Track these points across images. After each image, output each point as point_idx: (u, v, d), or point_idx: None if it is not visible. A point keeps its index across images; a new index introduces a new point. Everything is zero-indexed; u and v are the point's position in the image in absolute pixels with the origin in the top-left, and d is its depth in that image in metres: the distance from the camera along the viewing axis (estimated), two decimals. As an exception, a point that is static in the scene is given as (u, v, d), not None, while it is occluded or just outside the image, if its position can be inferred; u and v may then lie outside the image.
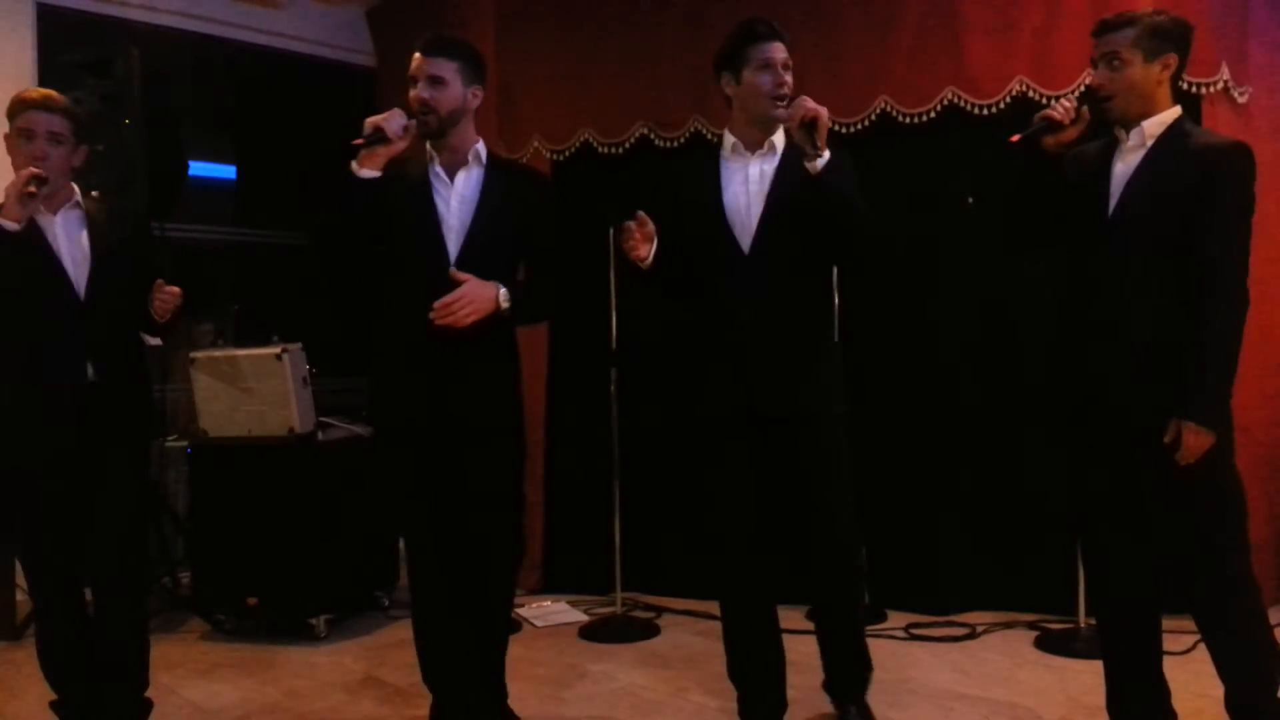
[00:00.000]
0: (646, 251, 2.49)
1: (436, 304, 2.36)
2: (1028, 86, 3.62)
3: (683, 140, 4.09)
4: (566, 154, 4.27)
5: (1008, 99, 3.65)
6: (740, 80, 2.52)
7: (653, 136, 4.13)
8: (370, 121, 2.37)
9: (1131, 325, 2.24)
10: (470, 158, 2.56)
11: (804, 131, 2.37)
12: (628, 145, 4.17)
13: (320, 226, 2.47)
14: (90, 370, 2.58)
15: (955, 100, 3.72)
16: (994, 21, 3.67)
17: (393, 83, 4.82)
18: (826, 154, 2.38)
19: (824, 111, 2.37)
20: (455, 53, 2.51)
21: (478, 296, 2.40)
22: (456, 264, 2.47)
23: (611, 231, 3.79)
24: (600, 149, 4.22)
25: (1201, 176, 2.19)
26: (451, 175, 2.54)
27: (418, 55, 2.49)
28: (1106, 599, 2.41)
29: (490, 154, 2.62)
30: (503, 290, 2.45)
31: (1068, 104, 2.30)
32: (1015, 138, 2.31)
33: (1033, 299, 3.70)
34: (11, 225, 2.40)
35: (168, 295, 2.58)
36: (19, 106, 2.57)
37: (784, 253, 2.50)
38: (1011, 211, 2.50)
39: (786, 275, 2.52)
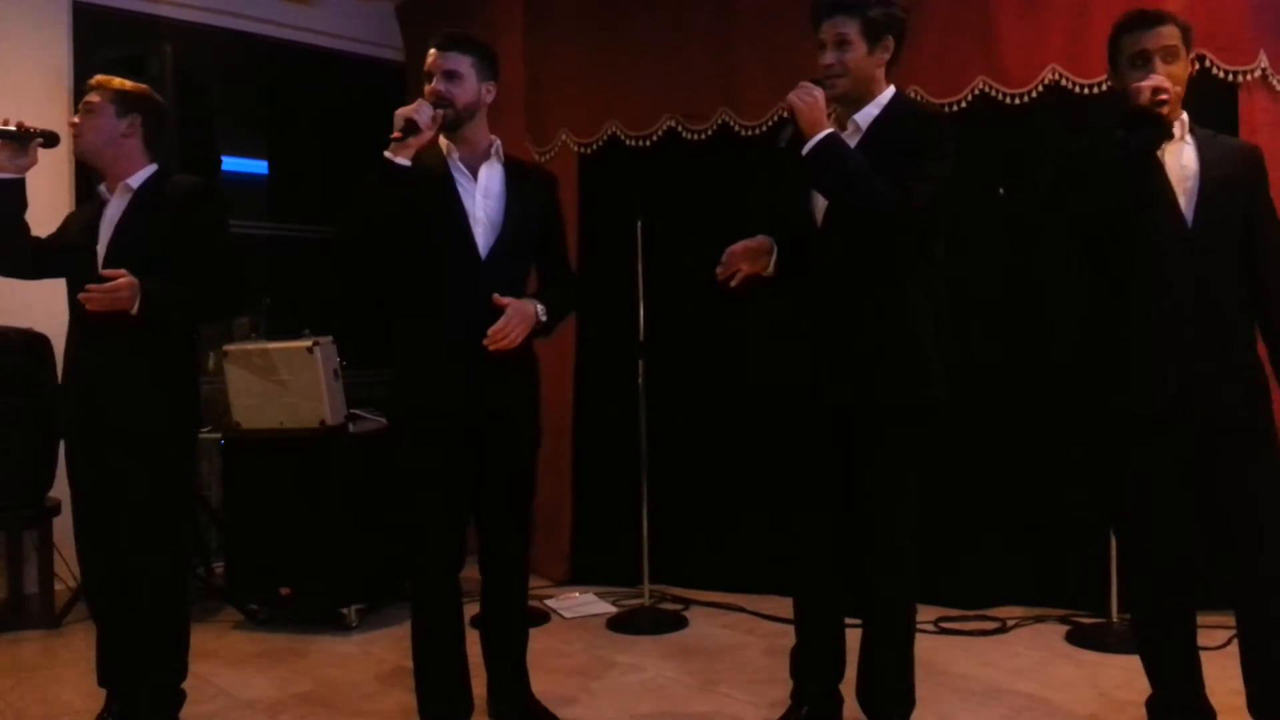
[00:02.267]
0: (765, 263, 2.48)
1: (490, 331, 2.39)
2: (1060, 75, 3.58)
3: (710, 133, 4.08)
4: (594, 147, 4.28)
5: (1039, 88, 3.61)
6: None
7: (680, 129, 4.13)
8: (401, 113, 2.38)
9: (1220, 318, 2.24)
10: (491, 153, 2.57)
11: (790, 121, 2.34)
12: (655, 138, 4.17)
13: (356, 221, 2.44)
14: (86, 351, 2.59)
15: (986, 89, 3.68)
16: (1025, 9, 3.63)
17: (422, 78, 4.86)
18: (810, 142, 2.29)
19: (801, 100, 2.30)
20: (469, 48, 2.51)
21: (523, 316, 2.45)
22: (486, 260, 2.49)
23: (640, 224, 3.80)
24: (628, 141, 4.22)
25: (1249, 167, 2.30)
26: (473, 170, 2.53)
27: (433, 51, 2.50)
28: (1155, 596, 2.34)
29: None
30: (540, 306, 2.50)
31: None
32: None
33: (1068, 291, 3.66)
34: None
35: (93, 289, 2.43)
36: None
37: (850, 235, 2.40)
38: (1097, 194, 2.27)
39: (856, 260, 2.40)
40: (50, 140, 2.65)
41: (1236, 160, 2.30)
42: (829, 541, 2.52)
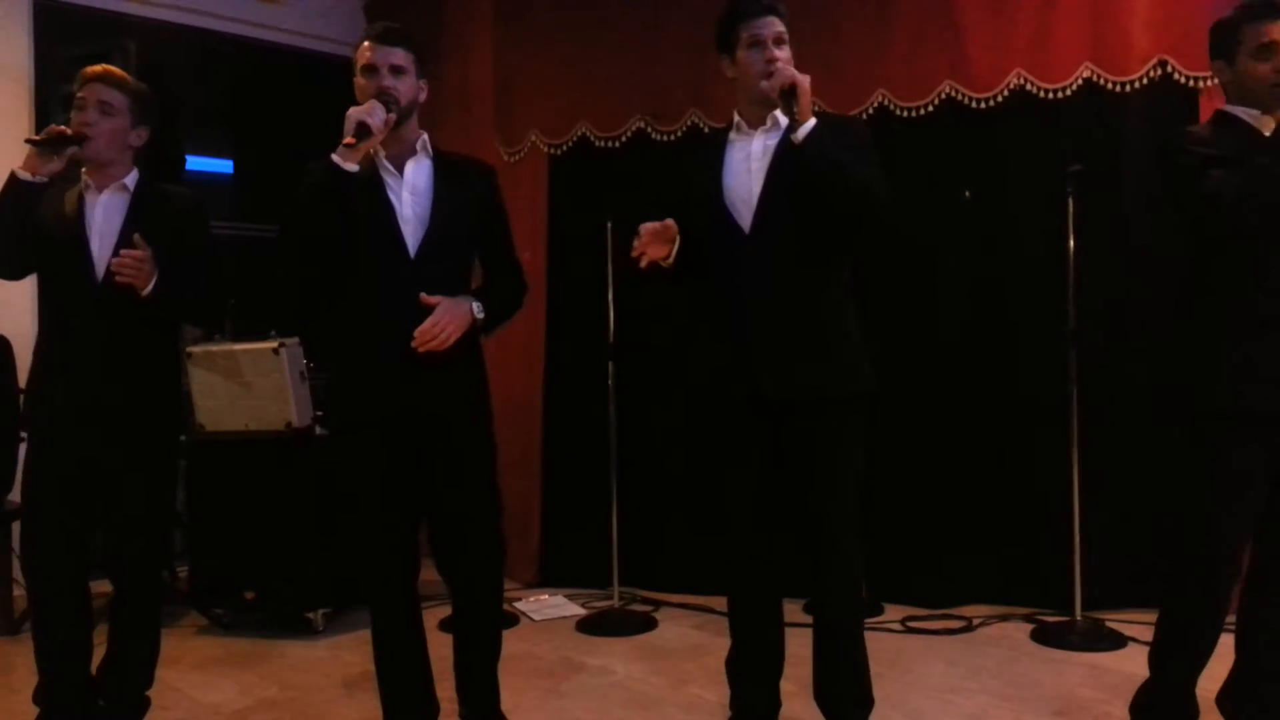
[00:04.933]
0: (667, 251, 2.44)
1: (417, 332, 2.31)
2: (1025, 79, 3.63)
3: (680, 133, 4.09)
4: (564, 148, 4.27)
5: (1005, 92, 3.65)
6: (736, 60, 2.46)
7: (649, 129, 4.13)
8: (354, 115, 2.30)
9: None
10: (418, 148, 2.49)
11: (783, 100, 2.30)
12: (625, 138, 4.17)
13: (298, 229, 2.38)
14: (69, 352, 2.51)
15: (953, 94, 3.72)
16: (990, 15, 3.67)
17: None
18: (811, 122, 2.29)
19: (802, 78, 2.29)
20: (410, 43, 2.44)
21: (454, 315, 2.37)
22: (416, 257, 2.41)
23: (610, 225, 3.79)
24: (597, 142, 4.21)
25: None
26: (399, 167, 2.47)
27: (372, 44, 2.42)
28: (1223, 595, 2.30)
29: (434, 146, 2.53)
30: (475, 304, 2.43)
31: None
32: None
33: (1034, 295, 3.70)
34: (24, 174, 2.42)
35: (126, 256, 2.42)
36: (79, 80, 2.58)
37: (786, 228, 2.39)
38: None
39: (791, 252, 2.40)
40: (78, 142, 2.51)
41: None
42: (756, 538, 2.51)
